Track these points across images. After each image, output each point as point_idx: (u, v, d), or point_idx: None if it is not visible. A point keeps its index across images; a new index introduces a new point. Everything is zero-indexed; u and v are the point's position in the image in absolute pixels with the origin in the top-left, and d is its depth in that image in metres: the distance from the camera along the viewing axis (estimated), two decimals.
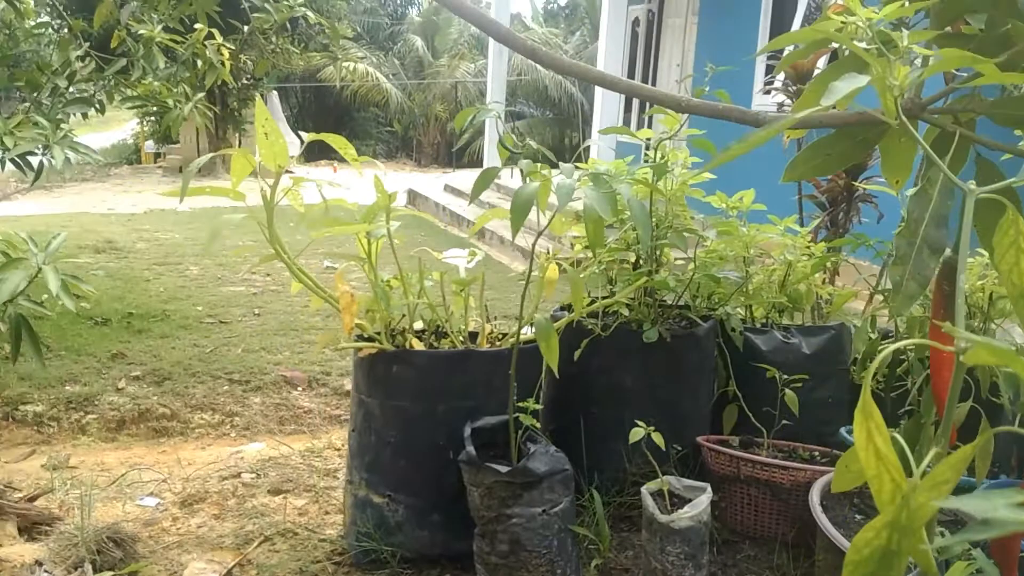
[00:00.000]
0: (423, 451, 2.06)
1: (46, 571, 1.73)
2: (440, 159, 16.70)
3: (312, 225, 2.10)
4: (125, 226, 8.72)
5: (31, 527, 1.99)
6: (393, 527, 2.05)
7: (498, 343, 2.27)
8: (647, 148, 2.50)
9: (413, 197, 11.40)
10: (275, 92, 13.43)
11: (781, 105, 4.42)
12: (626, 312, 2.39)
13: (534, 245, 2.00)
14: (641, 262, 2.45)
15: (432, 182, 12.89)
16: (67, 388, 5.12)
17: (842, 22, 1.16)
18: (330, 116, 16.60)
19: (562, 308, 2.51)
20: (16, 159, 4.32)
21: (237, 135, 12.27)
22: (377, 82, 15.36)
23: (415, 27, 18.09)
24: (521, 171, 1.91)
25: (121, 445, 4.97)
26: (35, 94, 4.66)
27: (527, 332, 2.22)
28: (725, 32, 10.15)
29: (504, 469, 1.87)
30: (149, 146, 13.07)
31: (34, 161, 4.50)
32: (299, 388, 5.55)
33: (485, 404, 2.10)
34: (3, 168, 4.46)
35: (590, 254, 2.50)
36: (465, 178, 13.56)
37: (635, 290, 2.38)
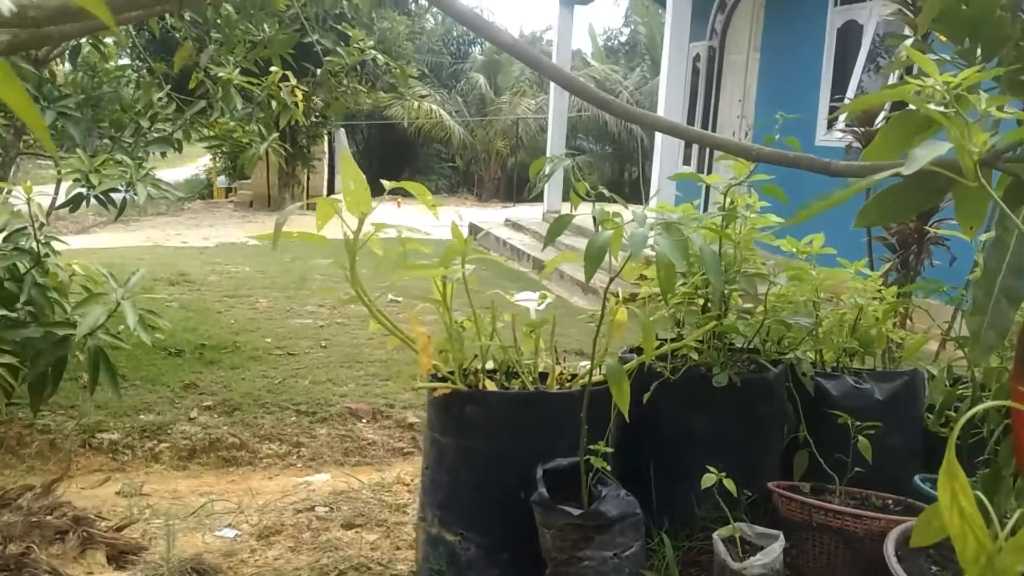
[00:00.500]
0: (494, 490, 2.10)
1: None
2: (500, 194, 16.90)
3: (392, 267, 2.17)
4: (198, 259, 9.02)
5: (119, 556, 2.08)
6: (464, 565, 2.09)
7: (568, 384, 2.31)
8: (706, 191, 2.52)
9: (475, 231, 11.54)
10: (342, 129, 13.81)
11: (849, 147, 4.39)
12: (695, 356, 2.40)
13: (607, 290, 2.04)
14: (709, 305, 2.47)
15: (493, 216, 13.04)
16: (141, 417, 5.29)
17: (919, 85, 1.19)
18: (395, 152, 16.98)
19: (630, 350, 2.54)
20: (100, 195, 4.54)
21: (305, 171, 12.64)
22: (440, 119, 15.67)
23: (478, 65, 18.45)
24: (594, 218, 1.95)
25: (192, 473, 5.11)
26: (119, 133, 4.90)
27: (595, 373, 2.25)
28: (787, 68, 10.11)
29: (576, 512, 1.90)
30: (221, 181, 13.55)
31: (117, 197, 4.72)
32: (364, 420, 5.64)
33: (555, 445, 2.13)
34: (88, 204, 4.69)
35: (656, 295, 2.52)
36: (525, 213, 13.68)
37: (704, 333, 2.39)
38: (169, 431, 5.21)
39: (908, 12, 3.91)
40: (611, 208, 2.20)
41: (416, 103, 13.04)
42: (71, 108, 4.77)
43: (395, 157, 17.02)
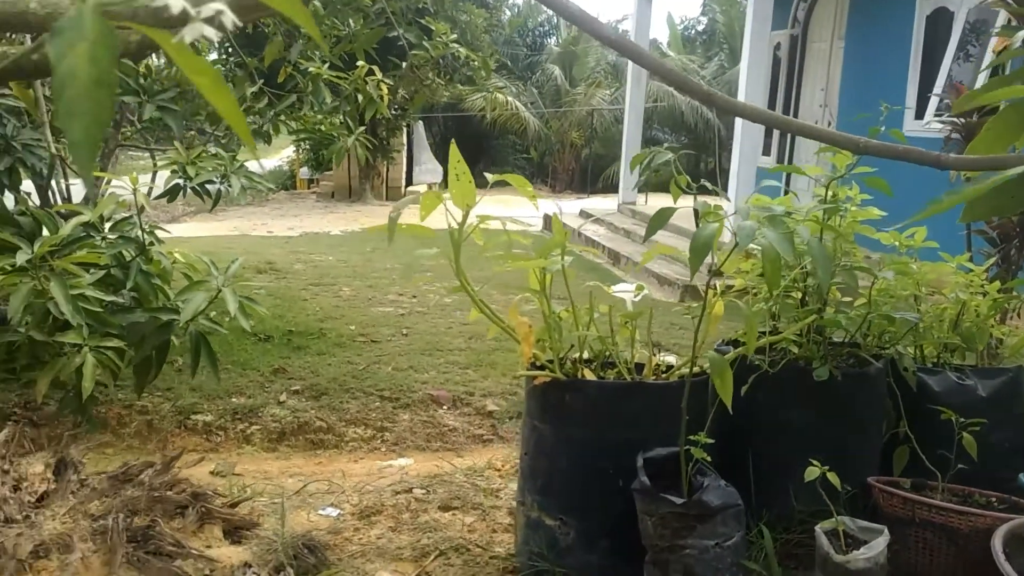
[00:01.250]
0: (593, 478, 2.14)
1: (254, 572, 1.90)
2: (574, 184, 16.90)
3: (495, 259, 2.22)
4: (283, 248, 9.28)
5: (233, 531, 2.19)
6: (564, 549, 2.14)
7: (663, 375, 2.33)
8: (787, 182, 2.49)
9: (548, 222, 11.58)
10: (420, 122, 14.01)
11: (948, 138, 4.27)
12: (795, 349, 2.39)
13: (708, 283, 2.05)
14: (807, 299, 2.45)
15: (567, 207, 13.06)
16: (233, 400, 5.50)
17: None
18: (470, 144, 17.14)
19: (726, 342, 2.54)
20: (196, 187, 4.73)
21: (385, 163, 12.89)
22: (516, 111, 15.76)
23: (553, 56, 18.46)
24: (695, 211, 1.97)
25: (281, 455, 5.29)
26: (214, 127, 5.08)
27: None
28: (873, 55, 9.83)
29: (679, 501, 1.92)
30: (303, 173, 13.92)
31: (211, 188, 4.90)
32: (444, 407, 5.75)
33: (652, 435, 2.16)
34: (184, 195, 4.89)
35: (753, 287, 2.52)
36: (599, 204, 13.65)
37: (803, 327, 2.38)
38: (260, 414, 5.40)
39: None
40: (705, 201, 2.21)
41: (492, 95, 13.13)
42: (169, 102, 4.96)
43: (471, 149, 17.18)
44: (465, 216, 2.08)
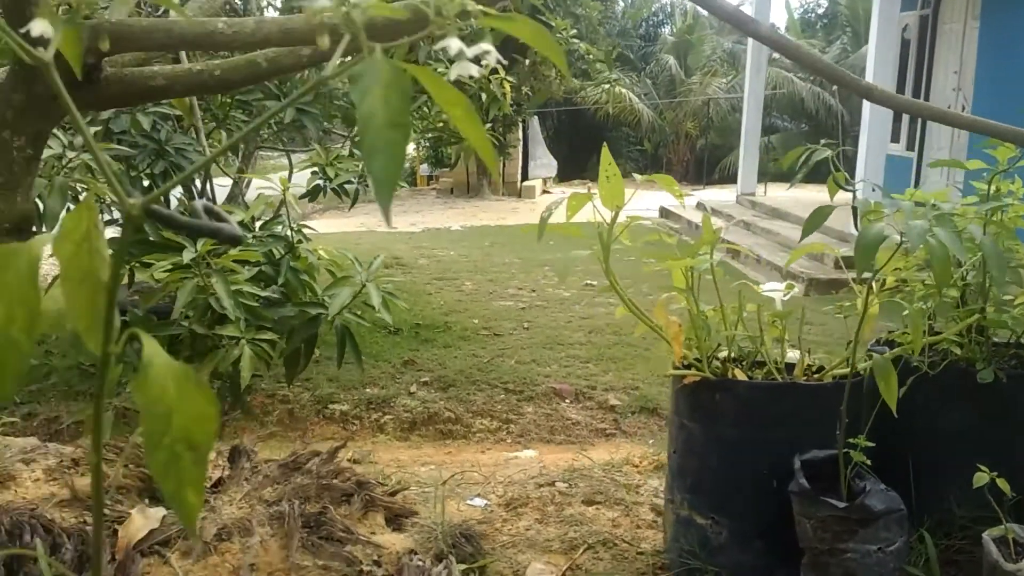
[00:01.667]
0: (746, 478, 2.14)
1: (419, 559, 2.00)
2: (689, 176, 16.64)
3: (643, 256, 2.25)
4: (407, 243, 9.55)
5: (394, 519, 2.30)
6: (716, 548, 2.15)
7: (814, 375, 2.30)
8: (917, 173, 2.39)
9: (666, 214, 11.45)
10: (535, 117, 14.12)
11: None
12: (957, 350, 2.31)
13: (872, 280, 2.01)
14: (967, 298, 2.37)
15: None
16: (367, 390, 5.72)
17: None
18: (584, 137, 17.15)
19: (882, 342, 2.48)
20: (335, 188, 4.93)
21: (502, 159, 13.08)
22: (629, 102, 15.65)
23: (668, 47, 18.20)
24: (854, 210, 1.93)
25: (412, 444, 5.47)
26: (349, 129, 5.28)
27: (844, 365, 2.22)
28: (1011, 36, 9.25)
29: (840, 504, 1.90)
30: (424, 169, 14.30)
31: (349, 188, 5.10)
32: (567, 400, 5.81)
33: (805, 436, 2.14)
34: (324, 195, 5.10)
35: (905, 285, 2.45)
36: (716, 195, 13.41)
37: (964, 327, 2.30)
38: (392, 404, 5.60)
39: None
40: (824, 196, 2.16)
41: (613, 88, 13.06)
42: (307, 105, 5.18)
43: (585, 142, 17.18)
44: (615, 216, 2.11)
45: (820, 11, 20.28)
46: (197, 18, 1.61)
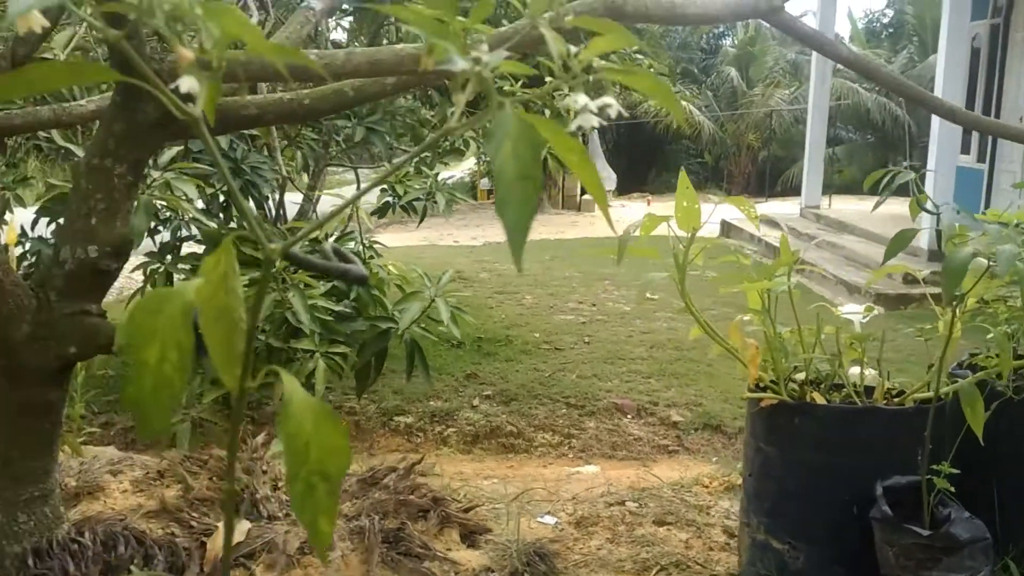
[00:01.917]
0: (825, 503, 2.12)
1: None
2: (750, 188, 16.43)
3: (720, 281, 2.25)
4: (468, 257, 9.64)
5: (469, 535, 2.33)
6: (793, 573, 2.13)
7: (894, 399, 2.27)
8: (988, 187, 2.33)
9: (727, 228, 11.33)
10: (595, 130, 14.06)
11: None
12: None
13: (958, 302, 1.97)
14: None
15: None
16: (431, 403, 5.78)
17: None
18: (643, 150, 17.10)
19: (961, 366, 2.43)
20: (404, 205, 5.02)
21: (561, 172, 13.13)
22: (690, 114, 15.56)
23: (729, 58, 18.04)
24: (938, 233, 1.91)
25: (476, 457, 5.51)
26: (419, 147, 5.37)
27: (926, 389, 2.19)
28: None
29: (924, 532, 1.87)
30: (484, 183, 14.43)
31: (417, 205, 5.19)
32: (628, 416, 5.79)
33: (886, 462, 2.11)
34: (393, 212, 5.20)
35: (988, 307, 2.39)
36: (778, 208, 13.21)
37: None
38: (455, 417, 5.66)
39: None
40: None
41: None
42: (376, 123, 5.28)
43: (644, 155, 17.13)
44: (691, 239, 2.12)
45: (885, 20, 19.90)
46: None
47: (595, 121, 0.69)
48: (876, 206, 1.95)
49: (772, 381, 2.24)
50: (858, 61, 1.77)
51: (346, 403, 5.75)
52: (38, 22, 0.61)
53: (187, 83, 0.69)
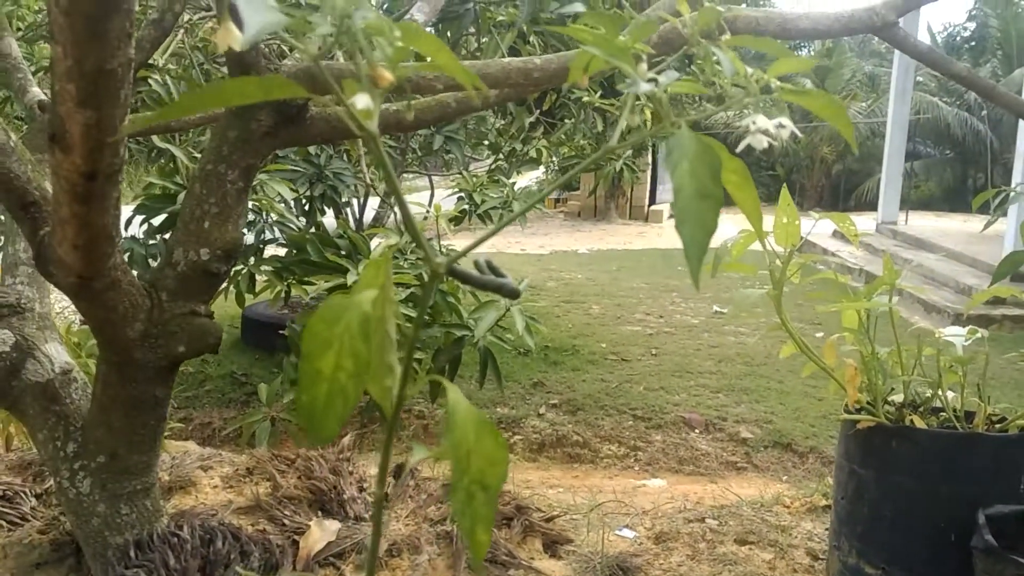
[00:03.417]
0: (921, 530, 2.06)
1: None
2: (824, 202, 16.14)
3: (816, 298, 2.21)
4: (535, 266, 9.66)
5: (551, 544, 2.33)
6: None
7: (995, 425, 2.20)
8: None
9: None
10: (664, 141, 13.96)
11: None
12: None
13: None
14: None
15: (818, 227, 12.53)
16: (498, 410, 5.81)
17: None
18: None
19: None
20: (480, 214, 5.06)
21: (630, 184, 13.08)
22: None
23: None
24: None
25: (541, 466, 5.51)
26: (496, 155, 5.41)
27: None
28: None
29: None
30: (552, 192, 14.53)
31: (494, 214, 5.23)
32: (696, 430, 5.72)
33: (988, 490, 2.04)
34: (470, 220, 5.24)
35: None
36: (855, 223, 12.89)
37: None
38: (522, 424, 5.67)
39: None
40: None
41: (739, 112, 12.79)
42: (453, 132, 5.34)
43: None
44: (789, 256, 2.09)
45: (966, 34, 19.34)
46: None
47: (764, 142, 0.69)
48: (987, 226, 1.89)
49: (868, 403, 2.19)
50: (974, 79, 1.73)
51: (415, 406, 5.81)
52: (237, 40, 0.63)
53: (363, 100, 0.71)
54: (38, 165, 1.63)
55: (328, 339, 0.68)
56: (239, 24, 0.57)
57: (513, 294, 0.78)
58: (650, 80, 0.66)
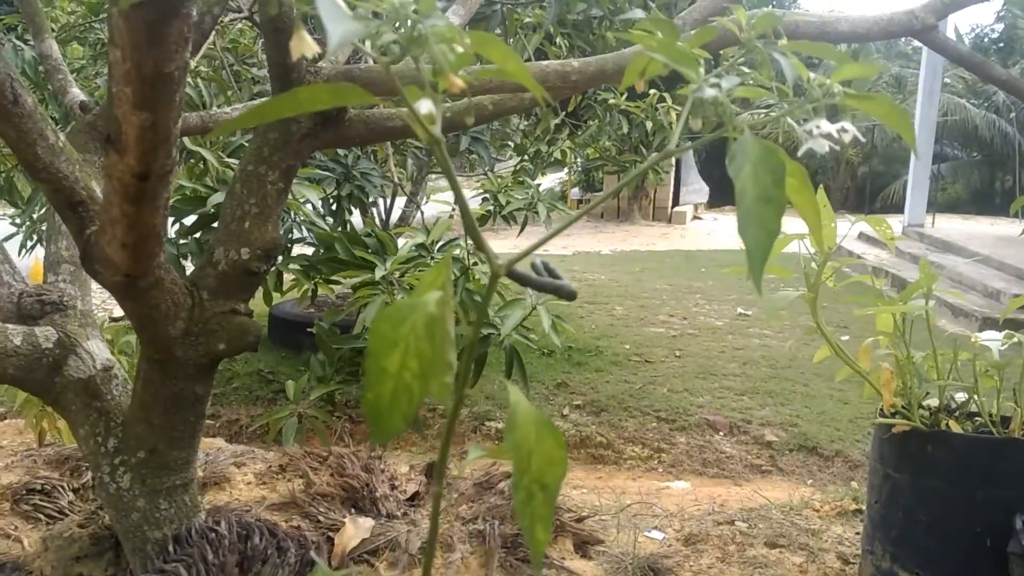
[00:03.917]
0: (957, 534, 2.05)
1: None
2: (848, 204, 16.01)
3: (850, 301, 2.20)
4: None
5: (582, 545, 2.34)
6: None
7: None
8: None
9: None
10: (688, 141, 13.96)
11: None
12: None
13: None
14: None
15: (841, 228, 12.42)
16: None
17: None
18: None
19: None
20: (505, 216, 5.07)
21: (653, 186, 13.09)
22: (786, 125, 15.17)
23: (830, 70, 17.53)
24: None
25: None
26: (521, 157, 5.42)
27: None
28: None
29: None
30: (574, 193, 14.49)
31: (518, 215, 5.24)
32: (721, 433, 5.70)
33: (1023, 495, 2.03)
34: (495, 221, 5.26)
35: None
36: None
37: None
38: None
39: None
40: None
41: (763, 113, 12.74)
42: (481, 134, 5.36)
43: None
44: (825, 259, 2.08)
45: (995, 35, 19.12)
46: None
47: (826, 146, 0.70)
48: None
49: (903, 407, 2.18)
50: (1015, 83, 1.72)
51: (438, 405, 5.83)
52: (311, 48, 0.65)
53: (426, 105, 0.72)
54: (85, 165, 1.66)
55: (394, 339, 0.69)
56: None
57: (570, 296, 0.79)
58: (713, 85, 0.67)
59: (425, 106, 0.74)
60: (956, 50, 1.73)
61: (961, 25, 20.54)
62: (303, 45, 0.64)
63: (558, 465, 0.74)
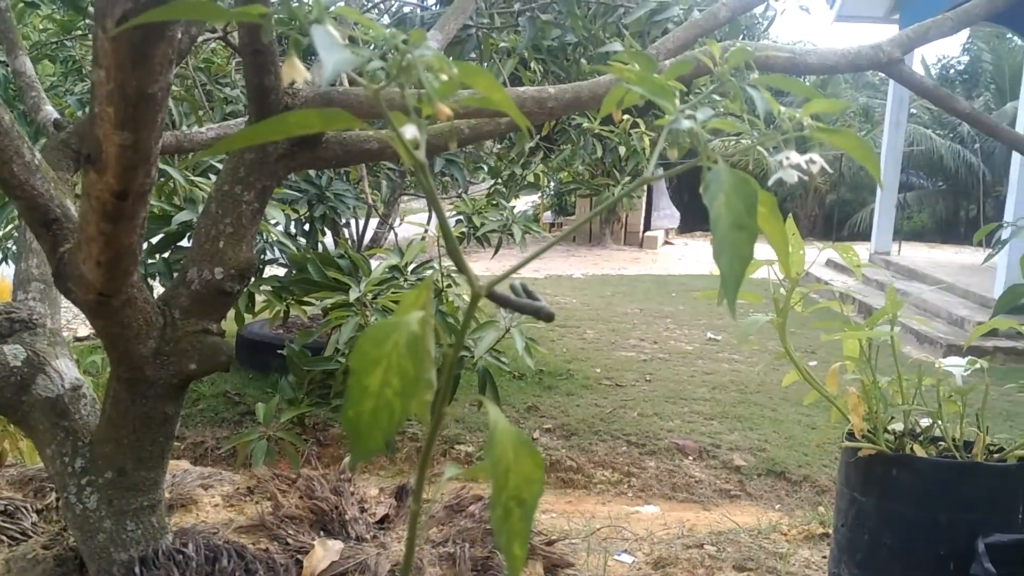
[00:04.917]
0: (921, 557, 2.08)
1: None
2: (816, 231, 16.25)
3: (818, 327, 2.24)
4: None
5: (552, 568, 2.34)
6: None
7: (994, 455, 2.23)
8: None
9: None
10: (660, 168, 14.09)
11: None
12: None
13: None
14: None
15: (809, 256, 12.61)
16: None
17: None
18: None
19: None
20: (479, 237, 5.09)
21: (624, 210, 13.20)
22: (757, 155, 15.40)
23: (799, 100, 17.86)
24: None
25: None
26: (495, 180, 5.46)
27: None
28: None
29: None
30: (547, 217, 14.58)
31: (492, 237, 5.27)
32: (690, 457, 5.73)
33: (986, 518, 2.07)
34: (468, 243, 5.27)
35: None
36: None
37: None
38: None
39: None
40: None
41: (733, 141, 13.00)
42: (456, 156, 5.38)
43: None
44: (794, 285, 2.12)
45: (960, 67, 19.60)
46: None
47: (794, 177, 0.72)
48: (988, 259, 1.93)
49: (869, 431, 2.22)
50: (978, 117, 1.77)
51: (408, 428, 5.80)
52: (302, 75, 0.66)
53: (411, 131, 0.74)
54: (59, 183, 1.65)
55: (376, 357, 0.70)
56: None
57: (549, 317, 0.81)
58: (689, 116, 0.69)
59: (410, 131, 0.75)
60: (921, 83, 1.78)
61: (928, 56, 21.09)
62: (295, 71, 0.66)
63: (535, 483, 0.75)
